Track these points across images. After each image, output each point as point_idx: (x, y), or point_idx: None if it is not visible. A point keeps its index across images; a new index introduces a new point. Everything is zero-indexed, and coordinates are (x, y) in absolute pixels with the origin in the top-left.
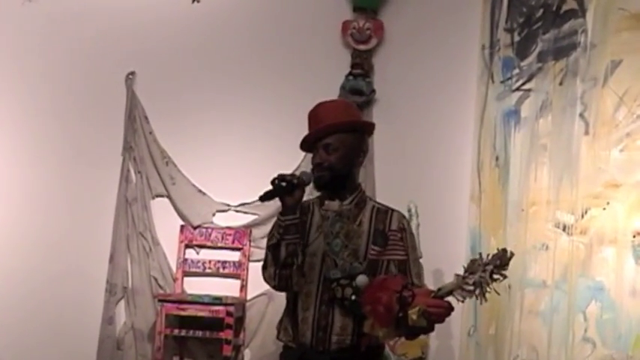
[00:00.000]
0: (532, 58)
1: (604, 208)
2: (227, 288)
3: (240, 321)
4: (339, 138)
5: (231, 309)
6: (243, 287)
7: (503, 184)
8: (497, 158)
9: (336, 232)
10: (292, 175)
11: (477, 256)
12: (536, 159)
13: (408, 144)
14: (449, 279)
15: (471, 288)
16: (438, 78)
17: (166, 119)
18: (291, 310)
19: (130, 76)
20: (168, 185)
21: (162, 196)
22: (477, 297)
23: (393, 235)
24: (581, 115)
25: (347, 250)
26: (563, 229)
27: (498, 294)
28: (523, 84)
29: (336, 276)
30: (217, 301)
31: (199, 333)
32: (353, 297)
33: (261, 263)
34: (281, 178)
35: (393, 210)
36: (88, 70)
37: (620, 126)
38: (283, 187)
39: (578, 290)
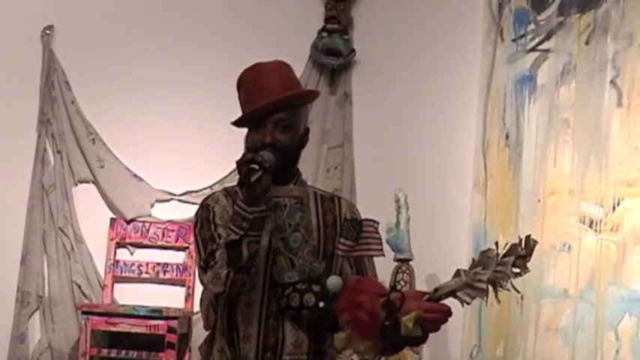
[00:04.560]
0: (552, 10)
1: None
2: (169, 298)
3: (185, 339)
4: (293, 113)
5: (174, 324)
6: (189, 297)
7: (515, 169)
8: (507, 136)
9: (296, 224)
10: (261, 156)
11: (488, 248)
12: (556, 137)
13: (395, 118)
14: None
15: (484, 286)
16: (434, 35)
17: (93, 86)
18: (225, 325)
19: (47, 32)
20: (95, 168)
21: (87, 181)
22: (490, 297)
23: (369, 226)
24: (612, 82)
25: (307, 246)
26: (590, 225)
27: (499, 301)
28: (540, 43)
29: (293, 279)
30: (156, 313)
31: (134, 354)
32: (321, 304)
33: None
34: (252, 160)
35: (339, 197)
36: None
37: None
38: (256, 171)
39: (608, 301)
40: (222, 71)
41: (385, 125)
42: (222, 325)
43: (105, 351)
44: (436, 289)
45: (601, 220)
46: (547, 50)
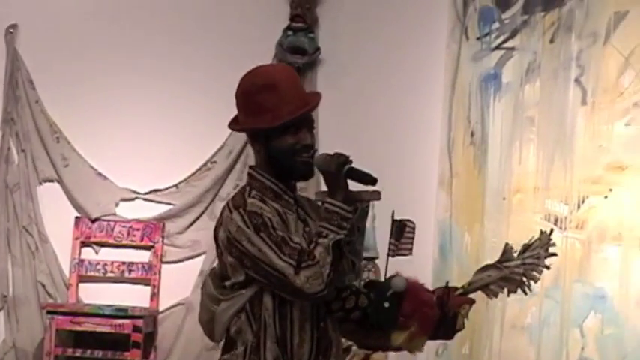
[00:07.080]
0: (516, 8)
1: (605, 197)
2: (134, 296)
3: (150, 337)
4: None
5: (140, 323)
6: (155, 295)
7: (480, 167)
8: (472, 134)
9: (363, 228)
10: (346, 157)
11: (508, 246)
12: (521, 135)
13: (359, 117)
14: None
15: (519, 277)
16: (399, 33)
17: (57, 85)
18: (277, 332)
19: (11, 30)
20: (60, 167)
21: (51, 180)
22: (525, 287)
23: (410, 225)
24: (576, 80)
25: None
26: (555, 223)
27: (530, 290)
28: (505, 41)
29: (353, 281)
30: (122, 312)
31: (99, 353)
32: (386, 304)
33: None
34: (347, 160)
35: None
36: None
37: (625, 94)
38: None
39: (573, 299)
40: (187, 71)
41: (350, 124)
42: (275, 333)
43: (70, 350)
44: (470, 283)
45: (566, 218)
46: (512, 48)
